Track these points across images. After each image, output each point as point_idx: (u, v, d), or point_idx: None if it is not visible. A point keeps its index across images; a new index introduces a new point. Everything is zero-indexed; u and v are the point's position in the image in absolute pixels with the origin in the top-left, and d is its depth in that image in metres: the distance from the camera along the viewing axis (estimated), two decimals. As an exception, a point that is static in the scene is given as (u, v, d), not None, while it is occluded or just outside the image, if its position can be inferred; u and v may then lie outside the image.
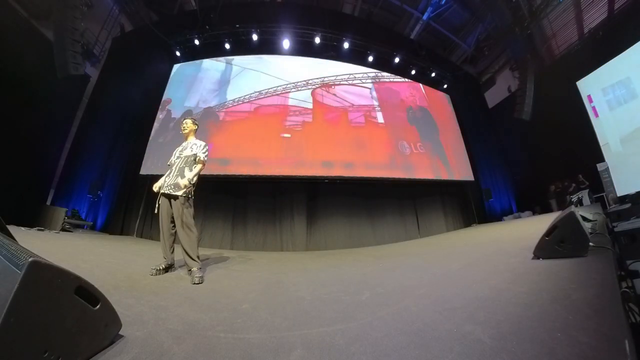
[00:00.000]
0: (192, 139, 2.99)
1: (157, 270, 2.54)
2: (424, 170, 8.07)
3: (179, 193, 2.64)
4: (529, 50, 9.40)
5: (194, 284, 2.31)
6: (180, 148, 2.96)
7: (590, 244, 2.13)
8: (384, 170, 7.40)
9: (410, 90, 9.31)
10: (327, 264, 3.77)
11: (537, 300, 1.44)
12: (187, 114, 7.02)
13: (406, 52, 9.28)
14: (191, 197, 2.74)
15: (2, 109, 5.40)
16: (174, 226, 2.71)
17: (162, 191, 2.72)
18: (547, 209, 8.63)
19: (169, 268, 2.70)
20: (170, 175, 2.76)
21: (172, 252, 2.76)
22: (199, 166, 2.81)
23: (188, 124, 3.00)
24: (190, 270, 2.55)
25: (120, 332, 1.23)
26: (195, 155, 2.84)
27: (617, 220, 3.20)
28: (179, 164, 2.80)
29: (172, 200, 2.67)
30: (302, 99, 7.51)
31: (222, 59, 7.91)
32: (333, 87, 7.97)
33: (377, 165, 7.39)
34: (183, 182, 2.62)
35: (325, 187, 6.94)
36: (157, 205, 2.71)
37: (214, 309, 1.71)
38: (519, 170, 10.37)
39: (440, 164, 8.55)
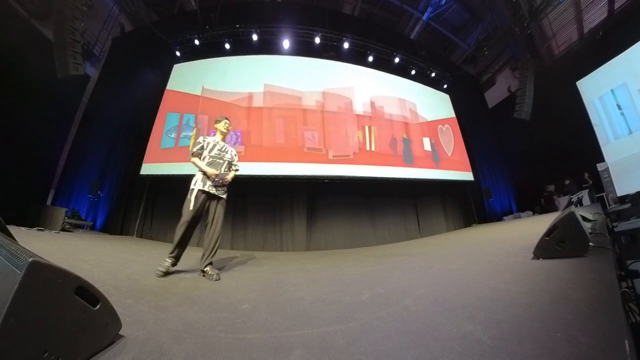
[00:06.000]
0: (224, 141, 2.98)
1: (163, 272, 2.46)
2: (425, 170, 8.07)
3: (225, 196, 2.80)
4: (529, 50, 9.41)
5: (215, 280, 2.45)
6: (219, 146, 2.89)
7: (590, 244, 2.12)
8: (384, 170, 7.40)
9: (410, 90, 9.32)
10: (327, 264, 3.76)
11: (537, 300, 1.44)
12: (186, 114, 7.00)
13: (406, 52, 9.29)
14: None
15: (2, 109, 5.40)
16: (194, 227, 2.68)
17: (208, 190, 2.69)
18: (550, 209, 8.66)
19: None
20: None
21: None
22: (233, 173, 2.90)
23: (228, 123, 2.99)
24: (204, 268, 2.57)
25: (120, 332, 1.23)
26: (231, 162, 2.91)
27: (617, 220, 3.21)
28: (224, 167, 2.83)
29: (216, 201, 2.76)
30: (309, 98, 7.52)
31: (222, 58, 7.91)
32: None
33: (378, 165, 7.38)
34: (230, 176, 2.81)
35: (325, 186, 6.93)
36: (192, 202, 2.61)
37: (214, 309, 1.71)
38: (519, 169, 10.37)
39: (440, 164, 8.55)
